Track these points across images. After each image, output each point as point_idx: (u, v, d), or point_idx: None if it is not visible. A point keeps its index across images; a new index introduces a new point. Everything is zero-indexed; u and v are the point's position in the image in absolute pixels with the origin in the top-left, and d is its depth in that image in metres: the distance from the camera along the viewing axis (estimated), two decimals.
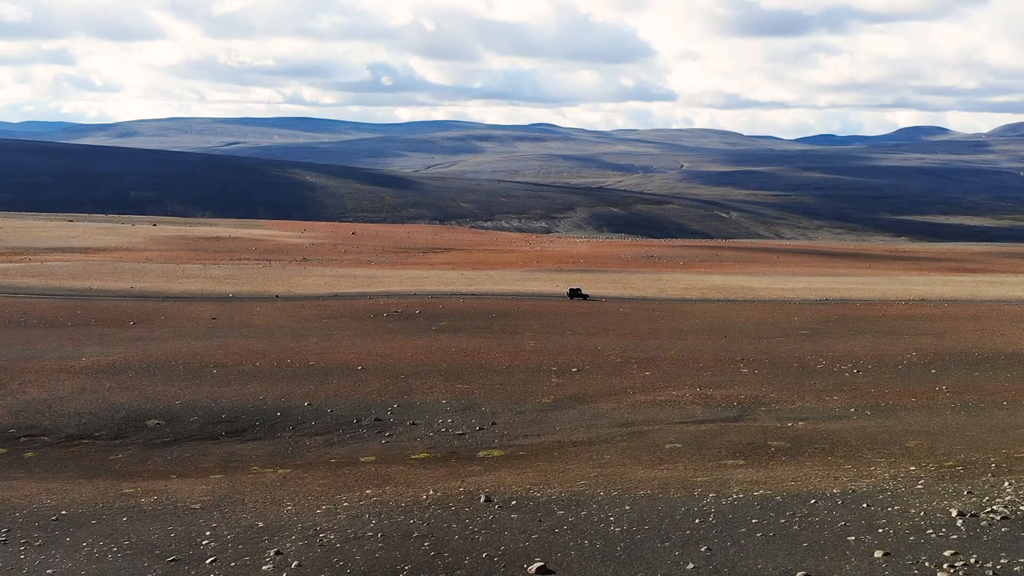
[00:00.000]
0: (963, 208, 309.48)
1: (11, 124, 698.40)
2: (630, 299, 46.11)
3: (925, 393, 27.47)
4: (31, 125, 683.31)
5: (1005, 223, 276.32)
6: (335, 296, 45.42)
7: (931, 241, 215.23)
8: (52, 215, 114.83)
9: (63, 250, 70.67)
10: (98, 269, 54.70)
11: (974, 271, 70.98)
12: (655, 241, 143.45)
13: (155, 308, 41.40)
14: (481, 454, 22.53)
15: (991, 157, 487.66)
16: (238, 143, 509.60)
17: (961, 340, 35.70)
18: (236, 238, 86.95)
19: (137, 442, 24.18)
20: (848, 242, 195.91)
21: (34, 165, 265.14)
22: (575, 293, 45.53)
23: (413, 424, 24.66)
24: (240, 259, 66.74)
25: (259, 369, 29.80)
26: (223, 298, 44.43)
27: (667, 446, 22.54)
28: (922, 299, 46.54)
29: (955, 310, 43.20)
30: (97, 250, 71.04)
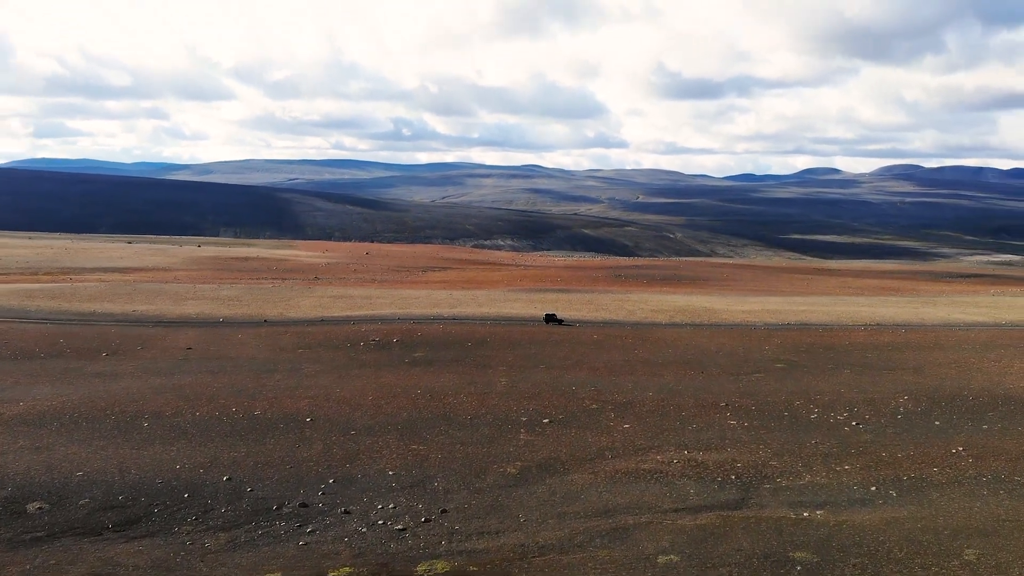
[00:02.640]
0: (854, 230, 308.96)
1: (125, 164, 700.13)
2: (603, 323, 36.61)
3: (943, 459, 18.09)
4: (139, 165, 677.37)
5: (887, 241, 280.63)
6: (322, 321, 35.84)
7: (833, 255, 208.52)
8: (115, 236, 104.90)
9: (105, 270, 60.88)
10: (119, 290, 45.05)
11: (899, 291, 61.48)
12: (620, 259, 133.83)
13: (139, 335, 31.83)
14: (420, 569, 13.11)
15: (872, 191, 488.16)
16: (296, 179, 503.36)
17: (943, 377, 26.29)
18: (264, 258, 77.05)
19: (4, 537, 14.70)
20: (770, 259, 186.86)
21: (135, 196, 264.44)
22: (551, 318, 36.10)
23: (345, 512, 15.18)
24: (257, 279, 56.98)
25: (196, 421, 20.26)
26: (213, 323, 34.81)
27: (660, 559, 13.15)
28: (877, 324, 37.10)
29: (915, 337, 33.76)
30: (135, 270, 61.22)
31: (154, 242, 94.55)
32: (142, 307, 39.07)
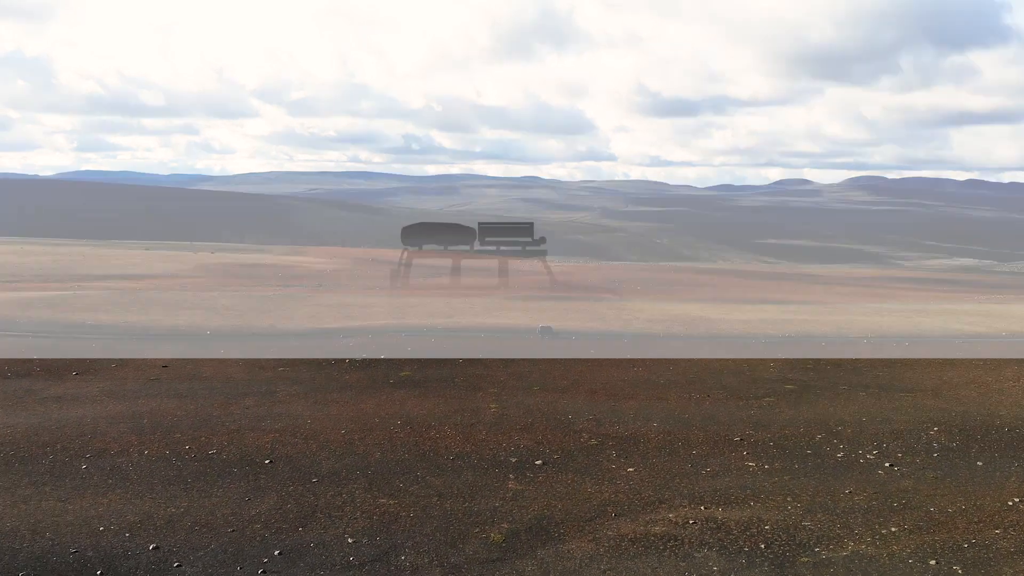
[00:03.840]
0: (825, 236, 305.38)
1: (161, 175, 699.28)
2: (599, 335, 32.48)
3: (1002, 515, 13.91)
4: (174, 177, 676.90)
5: (855, 246, 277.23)
6: (312, 333, 31.70)
7: (807, 260, 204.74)
8: (133, 243, 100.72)
9: (114, 277, 56.69)
10: (117, 299, 40.90)
11: (885, 298, 57.24)
12: (612, 265, 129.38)
13: (119, 350, 27.69)
14: None
15: (839, 200, 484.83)
16: (317, 189, 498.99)
17: (965, 401, 22.10)
18: (273, 264, 72.77)
19: None
20: (750, 262, 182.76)
21: (166, 205, 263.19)
22: (546, 330, 31.90)
23: None
24: (260, 286, 52.77)
25: (141, 463, 16.08)
26: (199, 336, 30.69)
27: None
28: (878, 336, 32.92)
29: (921, 351, 29.56)
30: (143, 278, 57.01)
31: (171, 248, 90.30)
32: (134, 317, 34.91)
